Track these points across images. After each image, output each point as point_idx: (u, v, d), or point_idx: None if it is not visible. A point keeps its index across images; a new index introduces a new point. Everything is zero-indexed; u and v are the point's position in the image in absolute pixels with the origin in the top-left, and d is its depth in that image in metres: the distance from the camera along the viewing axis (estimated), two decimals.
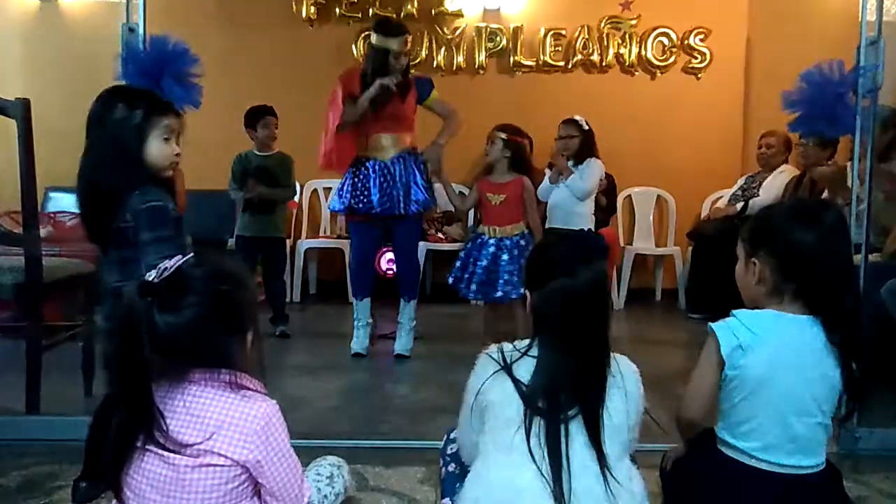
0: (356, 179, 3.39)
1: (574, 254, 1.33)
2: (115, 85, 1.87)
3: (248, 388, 1.26)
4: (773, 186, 4.43)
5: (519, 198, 3.40)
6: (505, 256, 3.36)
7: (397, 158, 3.39)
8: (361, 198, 3.37)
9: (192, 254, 1.28)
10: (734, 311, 1.46)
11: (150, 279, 1.21)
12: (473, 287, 3.40)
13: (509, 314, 3.44)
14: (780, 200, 3.74)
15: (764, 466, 1.43)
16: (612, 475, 1.27)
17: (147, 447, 1.21)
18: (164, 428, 1.20)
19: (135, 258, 1.76)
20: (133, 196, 1.74)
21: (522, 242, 3.38)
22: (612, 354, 1.36)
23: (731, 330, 1.43)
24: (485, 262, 3.38)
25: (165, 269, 1.22)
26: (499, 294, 3.33)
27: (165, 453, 1.20)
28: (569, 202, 3.82)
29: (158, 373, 1.22)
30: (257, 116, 3.97)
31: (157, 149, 1.79)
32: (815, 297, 1.43)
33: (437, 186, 3.60)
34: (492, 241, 3.41)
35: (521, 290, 3.24)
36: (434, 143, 3.48)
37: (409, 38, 3.39)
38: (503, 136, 3.43)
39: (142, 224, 1.74)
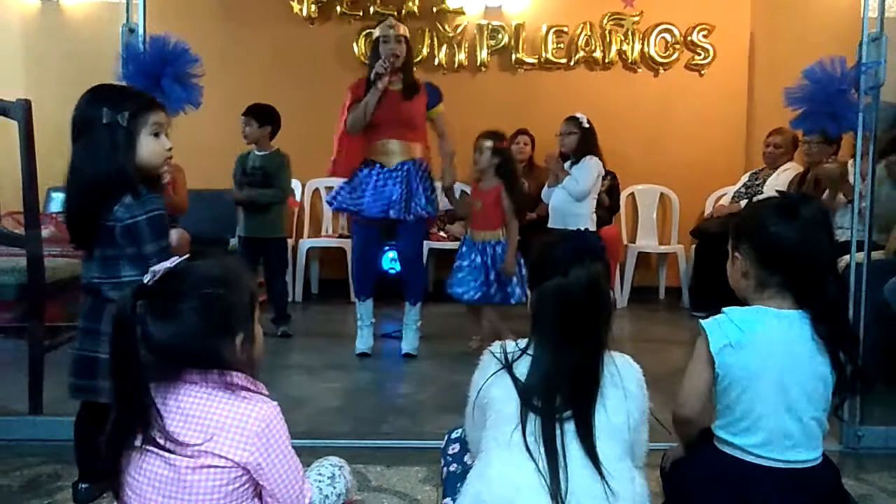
0: (354, 180, 3.42)
1: (569, 254, 1.34)
2: (98, 85, 1.82)
3: (249, 389, 1.25)
4: (777, 183, 4.40)
5: (496, 205, 3.44)
6: (477, 259, 3.43)
7: (402, 165, 3.39)
8: (351, 199, 3.40)
9: (185, 255, 1.27)
10: (725, 308, 1.47)
11: (145, 281, 1.21)
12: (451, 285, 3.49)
13: (478, 318, 3.50)
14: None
15: (762, 462, 1.43)
16: (610, 474, 1.27)
17: (146, 447, 1.21)
18: (162, 428, 1.19)
19: (116, 256, 1.74)
20: (130, 201, 1.72)
21: (493, 251, 3.42)
22: (611, 354, 1.36)
23: (721, 328, 1.44)
24: (461, 263, 3.48)
25: (157, 271, 1.22)
26: (460, 293, 3.42)
27: (166, 454, 1.19)
28: (566, 203, 3.82)
29: (154, 374, 1.22)
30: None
31: (148, 147, 1.76)
32: (800, 289, 1.44)
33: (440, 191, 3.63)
34: (468, 241, 3.51)
35: (478, 294, 3.37)
36: (445, 188, 3.53)
37: (404, 27, 3.44)
38: (490, 144, 3.45)
39: (145, 235, 1.73)
